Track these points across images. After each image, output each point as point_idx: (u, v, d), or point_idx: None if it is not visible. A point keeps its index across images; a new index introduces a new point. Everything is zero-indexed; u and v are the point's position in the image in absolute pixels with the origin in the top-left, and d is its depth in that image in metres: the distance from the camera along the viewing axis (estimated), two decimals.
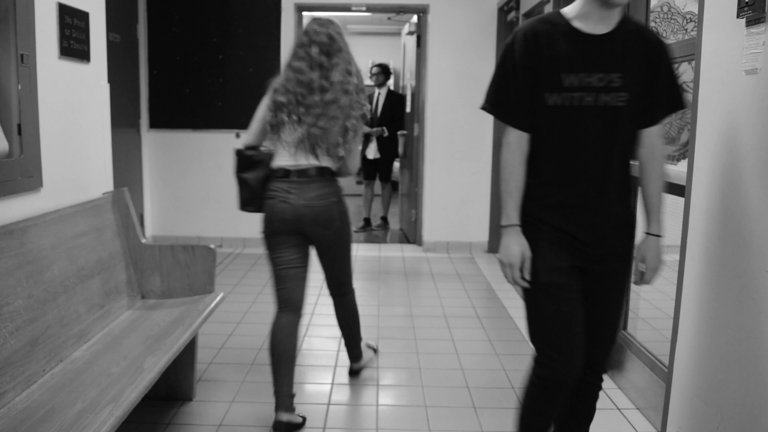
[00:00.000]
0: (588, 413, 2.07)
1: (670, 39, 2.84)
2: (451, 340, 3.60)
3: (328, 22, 2.64)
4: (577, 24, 1.78)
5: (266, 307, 4.11)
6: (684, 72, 2.62)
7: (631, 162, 1.87)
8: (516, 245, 1.83)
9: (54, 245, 2.31)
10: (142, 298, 2.87)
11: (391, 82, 7.80)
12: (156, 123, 5.80)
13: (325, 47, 2.58)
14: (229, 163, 5.72)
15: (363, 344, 3.14)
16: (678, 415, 2.30)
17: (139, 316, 2.66)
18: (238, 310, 4.03)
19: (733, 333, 1.97)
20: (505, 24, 5.61)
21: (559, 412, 2.03)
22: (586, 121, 1.76)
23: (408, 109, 6.55)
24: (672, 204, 2.32)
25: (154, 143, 5.83)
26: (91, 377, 2.05)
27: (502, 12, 5.59)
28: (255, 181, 2.62)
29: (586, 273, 1.86)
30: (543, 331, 1.87)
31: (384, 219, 7.20)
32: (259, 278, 4.84)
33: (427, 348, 3.47)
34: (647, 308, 3.01)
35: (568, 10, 1.82)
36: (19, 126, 2.28)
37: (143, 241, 2.88)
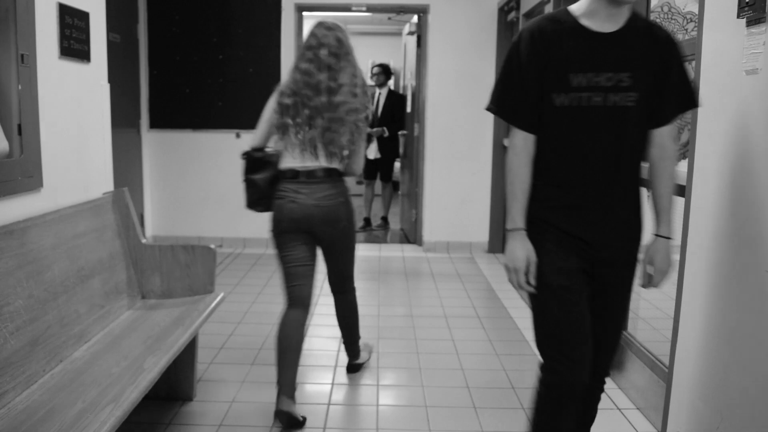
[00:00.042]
0: (590, 416, 2.06)
1: None
2: (452, 340, 3.60)
3: (336, 26, 2.70)
4: (585, 22, 1.73)
5: (266, 307, 4.11)
6: None
7: (642, 163, 1.83)
8: (521, 249, 1.78)
9: (54, 245, 2.31)
10: (142, 298, 2.87)
11: (391, 82, 7.80)
12: (156, 123, 5.80)
13: (333, 49, 2.63)
14: (230, 163, 5.74)
15: (361, 343, 3.16)
16: (678, 416, 2.30)
17: (140, 316, 2.66)
18: (238, 310, 4.03)
19: (733, 333, 1.97)
20: (505, 24, 5.61)
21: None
22: (595, 122, 1.72)
23: (408, 109, 6.55)
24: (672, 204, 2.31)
25: (154, 143, 5.83)
26: (92, 377, 2.05)
27: (503, 12, 5.59)
28: (263, 182, 2.68)
29: (592, 276, 1.82)
30: (552, 335, 1.81)
31: (384, 219, 7.21)
32: (260, 278, 4.84)
33: (428, 348, 3.47)
34: (647, 308, 3.00)
35: (575, 8, 1.77)
36: (19, 126, 2.28)
37: (143, 241, 2.88)
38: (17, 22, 2.23)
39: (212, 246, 2.88)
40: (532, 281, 1.79)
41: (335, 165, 2.65)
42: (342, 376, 3.10)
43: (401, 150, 6.89)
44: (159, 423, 2.58)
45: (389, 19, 7.12)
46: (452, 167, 5.84)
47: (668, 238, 1.83)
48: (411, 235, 6.32)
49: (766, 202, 1.84)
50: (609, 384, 2.93)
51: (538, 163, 1.81)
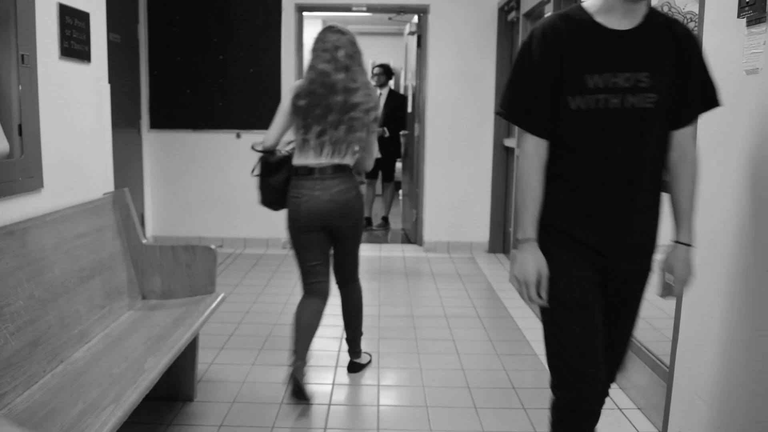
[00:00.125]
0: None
1: None
2: (452, 340, 3.60)
3: (347, 30, 2.83)
4: (601, 19, 1.63)
5: (267, 308, 4.11)
6: None
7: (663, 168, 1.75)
8: (532, 261, 1.68)
9: (55, 246, 2.31)
10: (142, 298, 2.87)
11: (392, 83, 7.80)
12: (156, 123, 5.80)
13: (349, 52, 2.77)
14: (230, 164, 5.75)
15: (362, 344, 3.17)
16: (679, 415, 2.29)
17: (140, 317, 2.66)
18: (238, 311, 4.03)
19: (734, 333, 1.97)
20: (505, 24, 5.61)
21: None
22: (613, 125, 1.62)
23: (409, 109, 6.55)
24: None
25: (154, 143, 5.83)
26: (92, 378, 2.05)
27: (503, 12, 5.58)
28: (278, 183, 2.83)
29: (605, 287, 1.74)
30: (565, 353, 1.70)
31: (385, 219, 7.21)
32: (260, 278, 4.84)
33: (428, 348, 3.47)
34: (648, 308, 3.00)
35: (589, 5, 1.66)
36: (19, 126, 2.28)
37: (144, 241, 2.88)
38: (17, 22, 2.24)
39: (213, 246, 2.88)
40: (544, 295, 1.70)
41: (347, 161, 2.77)
42: (343, 376, 3.10)
43: (402, 150, 6.89)
44: (160, 423, 2.58)
45: (390, 19, 7.12)
46: (453, 167, 5.84)
47: (689, 245, 1.73)
48: (412, 235, 6.32)
49: (765, 201, 1.83)
50: None
51: (551, 169, 1.71)
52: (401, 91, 8.02)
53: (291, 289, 4.56)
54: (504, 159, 5.79)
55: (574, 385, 1.71)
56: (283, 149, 2.88)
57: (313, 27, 7.97)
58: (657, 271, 1.79)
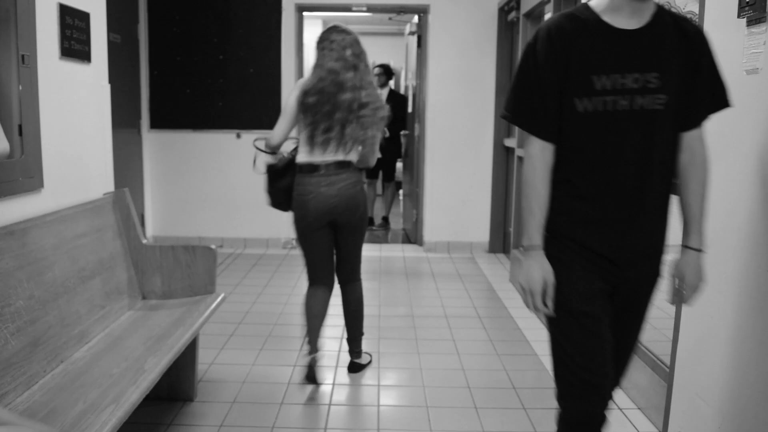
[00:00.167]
0: None
1: None
2: (452, 340, 3.60)
3: (350, 30, 2.88)
4: (608, 18, 1.58)
5: (267, 308, 4.11)
6: None
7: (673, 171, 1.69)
8: (538, 270, 1.63)
9: (55, 246, 2.31)
10: (143, 298, 2.87)
11: (392, 83, 7.81)
12: (157, 123, 5.80)
13: (356, 51, 2.84)
14: (230, 164, 5.75)
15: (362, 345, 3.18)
16: (679, 415, 2.29)
17: (140, 317, 2.66)
18: (239, 311, 4.03)
19: (734, 332, 1.97)
20: (505, 24, 5.61)
21: None
22: (621, 127, 1.57)
23: (410, 110, 6.55)
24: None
25: (154, 143, 5.83)
26: (92, 378, 2.05)
27: (503, 12, 5.58)
28: (285, 186, 2.90)
29: (613, 295, 1.69)
30: (574, 363, 1.64)
31: (385, 219, 7.21)
32: (260, 278, 4.84)
33: (428, 348, 3.47)
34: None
35: (596, 4, 1.61)
36: (20, 126, 2.28)
37: (144, 241, 2.88)
38: (18, 22, 2.24)
39: (213, 246, 2.88)
40: (550, 304, 1.64)
41: (351, 158, 2.84)
42: (343, 376, 3.10)
43: (403, 150, 6.89)
44: (160, 423, 2.58)
45: (390, 19, 7.12)
46: (453, 167, 5.84)
47: (700, 250, 1.68)
48: (412, 235, 6.32)
49: (765, 201, 1.83)
50: None
51: (558, 173, 1.66)
52: (401, 91, 8.02)
53: (291, 289, 4.56)
54: (504, 159, 5.79)
55: (583, 396, 1.65)
56: (285, 151, 2.92)
57: (313, 27, 7.99)
58: (667, 277, 1.73)
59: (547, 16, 4.42)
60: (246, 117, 5.74)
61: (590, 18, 1.60)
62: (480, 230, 5.92)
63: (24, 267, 2.10)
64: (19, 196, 2.28)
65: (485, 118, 5.72)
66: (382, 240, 6.56)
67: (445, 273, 5.15)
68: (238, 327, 3.74)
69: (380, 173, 6.99)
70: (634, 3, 1.56)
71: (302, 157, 2.83)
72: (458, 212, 5.90)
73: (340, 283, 3.05)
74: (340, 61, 2.78)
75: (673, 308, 2.35)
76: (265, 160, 2.94)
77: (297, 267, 5.20)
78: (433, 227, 5.93)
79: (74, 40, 2.64)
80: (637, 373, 2.79)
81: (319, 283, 2.95)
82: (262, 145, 2.90)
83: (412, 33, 6.44)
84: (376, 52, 9.40)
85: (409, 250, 5.97)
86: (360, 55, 2.84)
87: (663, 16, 1.60)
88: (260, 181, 5.84)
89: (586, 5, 1.63)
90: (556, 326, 1.69)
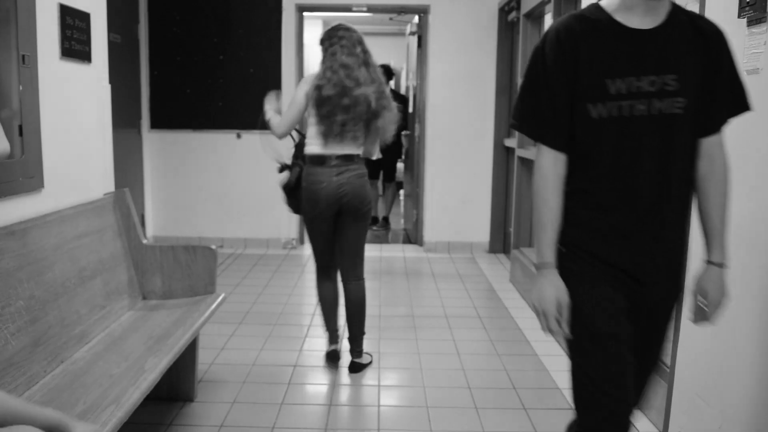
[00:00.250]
0: None
1: None
2: (453, 340, 3.60)
3: (354, 28, 2.97)
4: (620, 18, 1.49)
5: (267, 308, 4.11)
6: None
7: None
8: (551, 289, 1.52)
9: (55, 246, 2.31)
10: (143, 298, 2.87)
11: (392, 83, 7.81)
12: (157, 123, 5.80)
13: (365, 48, 2.94)
14: (230, 164, 5.75)
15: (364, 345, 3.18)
16: (680, 415, 2.29)
17: (141, 317, 2.66)
18: (239, 311, 4.03)
19: (734, 333, 1.97)
20: (505, 24, 5.61)
21: None
22: (639, 133, 1.47)
23: (410, 110, 6.55)
24: None
25: (155, 144, 5.83)
26: (93, 378, 2.05)
27: (503, 12, 5.58)
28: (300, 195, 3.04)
29: (633, 313, 1.56)
30: (595, 387, 1.52)
31: (386, 219, 7.20)
32: (260, 278, 4.84)
33: (429, 348, 3.47)
34: None
35: (607, 3, 1.53)
36: (20, 127, 2.28)
37: (144, 241, 2.88)
38: (18, 22, 2.24)
39: (213, 246, 2.88)
40: (565, 327, 1.53)
41: (357, 150, 2.96)
42: (344, 376, 3.10)
43: (404, 150, 6.89)
44: (160, 424, 2.58)
45: (390, 19, 7.12)
46: (453, 167, 5.84)
47: (722, 265, 1.57)
48: (413, 236, 6.32)
49: (765, 202, 1.83)
50: None
51: (572, 183, 1.56)
52: (402, 92, 8.02)
53: (291, 289, 4.56)
54: (504, 159, 5.79)
55: (605, 421, 1.53)
56: (285, 151, 3.00)
57: (313, 27, 7.98)
58: (688, 294, 1.65)
59: (548, 16, 4.42)
60: (246, 117, 5.73)
61: (601, 18, 1.51)
62: (480, 230, 5.92)
63: (24, 267, 2.10)
64: (20, 196, 2.28)
65: (486, 119, 5.72)
66: (383, 240, 6.56)
67: (446, 273, 5.15)
68: (238, 327, 3.74)
69: (381, 174, 6.99)
70: (649, 1, 1.47)
71: (313, 149, 2.93)
72: (458, 212, 5.89)
73: (343, 281, 3.08)
74: (352, 56, 2.88)
75: None
76: (280, 180, 3.08)
77: (297, 267, 5.21)
78: (433, 227, 5.93)
79: (75, 40, 2.64)
80: None
81: (327, 271, 3.12)
82: (269, 149, 3.03)
83: (412, 33, 6.43)
84: (377, 52, 9.37)
85: (410, 250, 5.97)
86: (367, 52, 2.94)
87: (678, 14, 1.53)
88: (260, 181, 5.83)
89: (596, 5, 1.55)
90: (575, 349, 1.57)
